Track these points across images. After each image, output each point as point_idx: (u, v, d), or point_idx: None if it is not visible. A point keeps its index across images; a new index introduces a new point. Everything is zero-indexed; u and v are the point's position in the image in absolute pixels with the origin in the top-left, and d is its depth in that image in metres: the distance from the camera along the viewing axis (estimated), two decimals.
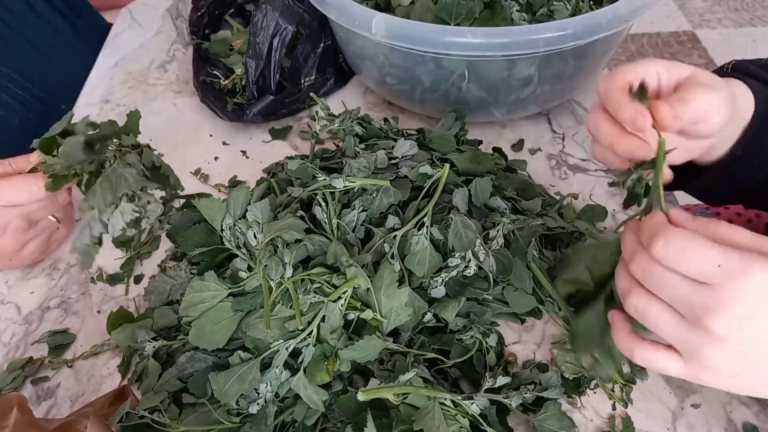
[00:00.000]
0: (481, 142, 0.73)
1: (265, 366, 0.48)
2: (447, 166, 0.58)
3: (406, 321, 0.51)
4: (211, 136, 0.79)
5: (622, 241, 0.39)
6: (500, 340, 0.54)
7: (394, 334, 0.52)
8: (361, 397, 0.45)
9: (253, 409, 0.46)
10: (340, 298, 0.49)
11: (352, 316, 0.49)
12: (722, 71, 0.51)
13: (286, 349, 0.48)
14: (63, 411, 0.53)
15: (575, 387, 0.51)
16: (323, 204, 0.57)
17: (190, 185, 0.73)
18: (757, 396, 0.38)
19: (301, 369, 0.47)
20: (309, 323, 0.48)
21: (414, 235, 0.54)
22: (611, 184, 0.68)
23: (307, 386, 0.47)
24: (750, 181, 0.49)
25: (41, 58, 0.86)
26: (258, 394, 0.47)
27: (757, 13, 2.41)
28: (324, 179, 0.58)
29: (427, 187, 0.58)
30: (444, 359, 0.51)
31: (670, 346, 0.36)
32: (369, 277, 0.49)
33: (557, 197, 0.66)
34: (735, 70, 0.50)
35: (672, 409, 0.50)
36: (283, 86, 0.79)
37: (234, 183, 0.72)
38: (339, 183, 0.58)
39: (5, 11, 0.81)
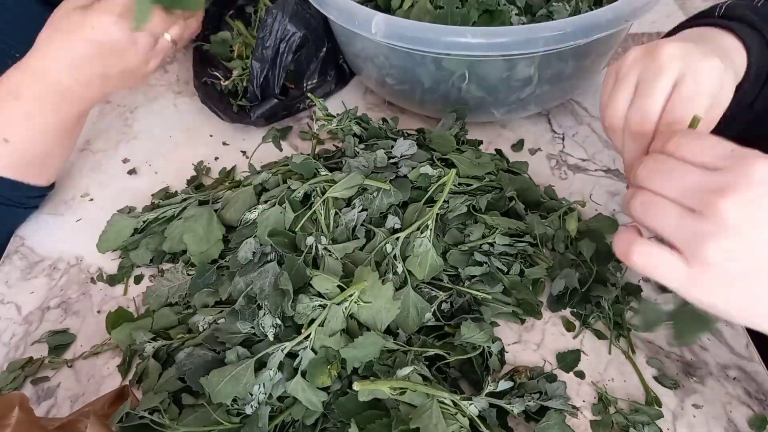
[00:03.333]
0: (481, 142, 0.73)
1: (262, 365, 0.48)
2: (453, 171, 0.58)
3: (411, 321, 0.51)
4: (211, 136, 0.79)
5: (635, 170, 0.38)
6: (500, 351, 0.53)
7: (394, 334, 0.52)
8: (356, 387, 0.45)
9: (249, 410, 0.46)
10: (345, 300, 0.48)
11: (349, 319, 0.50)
12: (714, 13, 0.52)
13: (282, 350, 0.48)
14: (63, 411, 0.53)
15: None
16: (320, 196, 0.57)
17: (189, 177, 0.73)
18: (754, 327, 0.36)
19: (299, 373, 0.47)
20: (308, 326, 0.48)
21: (417, 238, 0.54)
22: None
23: (306, 389, 0.46)
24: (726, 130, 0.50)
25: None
26: (252, 395, 0.47)
27: None
28: (326, 174, 0.58)
29: (431, 191, 0.58)
30: (445, 355, 0.51)
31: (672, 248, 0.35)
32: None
33: (563, 201, 0.65)
34: (727, 15, 0.51)
35: (672, 409, 0.50)
36: (286, 89, 0.79)
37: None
38: (340, 178, 0.58)
39: None
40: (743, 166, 0.33)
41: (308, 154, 0.68)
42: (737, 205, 0.32)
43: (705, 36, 0.50)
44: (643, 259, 0.36)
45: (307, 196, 0.60)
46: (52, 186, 0.70)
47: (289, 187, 0.59)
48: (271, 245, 0.55)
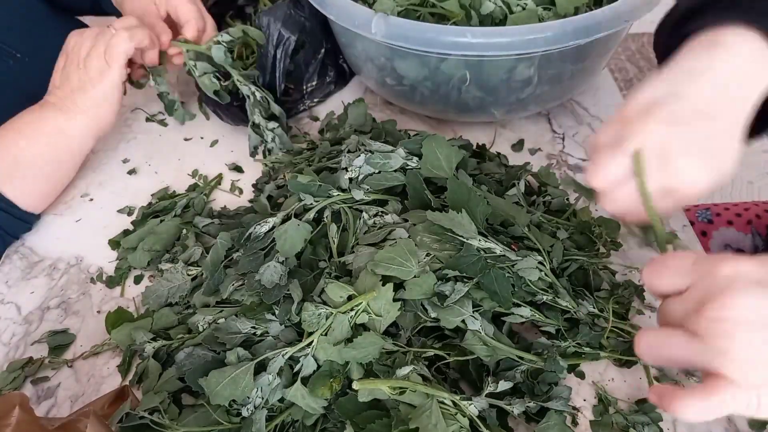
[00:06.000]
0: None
1: (262, 368, 0.48)
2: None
3: (408, 321, 0.51)
4: (205, 138, 0.79)
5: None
6: None
7: (393, 335, 0.51)
8: (356, 386, 0.45)
9: (245, 412, 0.46)
10: (351, 309, 0.48)
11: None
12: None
13: (283, 356, 0.48)
14: (63, 411, 0.53)
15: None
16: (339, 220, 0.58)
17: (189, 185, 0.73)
18: None
19: (299, 379, 0.47)
20: (310, 334, 0.48)
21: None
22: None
23: (306, 396, 0.46)
24: None
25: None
26: (249, 399, 0.47)
27: None
28: (338, 194, 0.58)
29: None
30: (445, 355, 0.50)
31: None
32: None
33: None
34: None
35: None
36: (287, 90, 0.80)
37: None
38: (358, 195, 0.58)
39: None
40: (707, 277, 0.34)
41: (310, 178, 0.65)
42: (719, 308, 0.32)
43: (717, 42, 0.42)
44: (687, 411, 0.35)
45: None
46: (38, 217, 0.70)
47: (300, 200, 0.58)
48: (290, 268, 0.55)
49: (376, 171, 0.59)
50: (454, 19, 0.66)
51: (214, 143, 0.79)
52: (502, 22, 0.66)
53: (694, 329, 0.34)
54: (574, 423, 0.50)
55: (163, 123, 0.81)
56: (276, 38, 0.73)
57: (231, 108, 0.77)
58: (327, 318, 0.48)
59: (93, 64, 0.66)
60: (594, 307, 0.53)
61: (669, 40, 0.47)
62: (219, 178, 0.73)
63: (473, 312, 0.49)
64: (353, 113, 0.74)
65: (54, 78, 0.68)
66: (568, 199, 0.65)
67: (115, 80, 0.67)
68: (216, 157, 0.76)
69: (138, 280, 0.63)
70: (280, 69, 0.74)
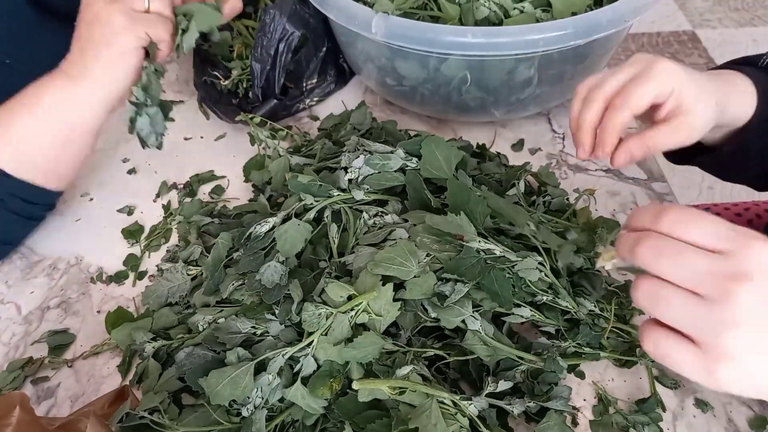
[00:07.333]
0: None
1: (262, 367, 0.47)
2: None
3: (408, 321, 0.51)
4: (204, 137, 0.79)
5: (623, 239, 0.36)
6: None
7: (393, 335, 0.52)
8: (356, 386, 0.45)
9: (245, 412, 0.46)
10: (351, 309, 0.48)
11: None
12: (758, 65, 0.54)
13: (283, 356, 0.48)
14: (63, 411, 0.53)
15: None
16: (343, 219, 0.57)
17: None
18: None
19: (299, 379, 0.47)
20: (310, 334, 0.48)
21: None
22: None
23: (306, 396, 0.46)
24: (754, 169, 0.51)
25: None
26: (249, 399, 0.47)
27: (757, 12, 2.41)
28: (339, 194, 0.58)
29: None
30: (445, 355, 0.51)
31: (686, 338, 0.33)
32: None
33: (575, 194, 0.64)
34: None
35: (672, 409, 0.50)
36: (286, 88, 0.80)
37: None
38: (358, 195, 0.58)
39: None
40: (748, 249, 0.31)
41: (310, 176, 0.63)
42: (754, 294, 0.31)
43: (722, 73, 0.51)
44: (661, 351, 0.34)
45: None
46: (60, 193, 0.66)
47: (300, 200, 0.58)
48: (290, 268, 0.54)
49: (376, 171, 0.59)
50: (450, 21, 0.66)
51: (213, 143, 0.78)
52: (499, 26, 0.67)
53: (714, 296, 0.32)
54: (574, 423, 0.50)
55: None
56: (280, 32, 0.73)
57: (229, 105, 0.77)
58: (327, 318, 0.48)
59: (115, 19, 0.56)
60: (595, 306, 0.53)
61: None
62: (214, 179, 0.73)
63: (473, 312, 0.49)
64: (354, 116, 0.73)
65: (72, 47, 0.59)
66: (568, 199, 0.66)
67: (135, 41, 0.57)
68: (216, 157, 0.76)
69: (141, 276, 0.63)
70: (280, 64, 0.74)
